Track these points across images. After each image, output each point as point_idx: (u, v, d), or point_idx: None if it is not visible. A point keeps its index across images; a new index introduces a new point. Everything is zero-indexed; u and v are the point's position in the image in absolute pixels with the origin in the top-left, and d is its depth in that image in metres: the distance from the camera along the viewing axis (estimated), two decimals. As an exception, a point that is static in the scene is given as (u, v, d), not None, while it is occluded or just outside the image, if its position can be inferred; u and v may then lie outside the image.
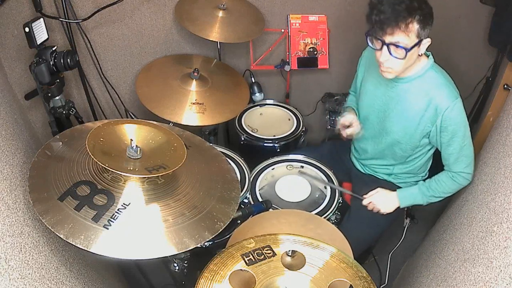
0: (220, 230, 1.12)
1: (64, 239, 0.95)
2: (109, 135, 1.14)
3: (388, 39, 1.33)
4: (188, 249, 1.03)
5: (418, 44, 1.35)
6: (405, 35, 1.31)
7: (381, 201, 1.65)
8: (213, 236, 1.09)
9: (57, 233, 0.96)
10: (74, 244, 0.95)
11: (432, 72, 1.48)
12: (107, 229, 1.00)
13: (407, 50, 1.32)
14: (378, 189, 1.67)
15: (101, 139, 1.11)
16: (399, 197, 1.65)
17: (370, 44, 1.41)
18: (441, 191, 1.59)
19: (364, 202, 1.67)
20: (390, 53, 1.35)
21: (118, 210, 1.04)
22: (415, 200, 1.65)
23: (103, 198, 1.05)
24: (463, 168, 1.53)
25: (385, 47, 1.35)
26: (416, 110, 1.50)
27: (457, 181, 1.55)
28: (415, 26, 1.30)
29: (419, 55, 1.41)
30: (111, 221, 1.01)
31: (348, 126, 1.70)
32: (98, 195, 1.06)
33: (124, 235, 1.01)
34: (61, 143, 1.22)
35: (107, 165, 1.02)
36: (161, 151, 1.17)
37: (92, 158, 1.03)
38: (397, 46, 1.33)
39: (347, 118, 1.71)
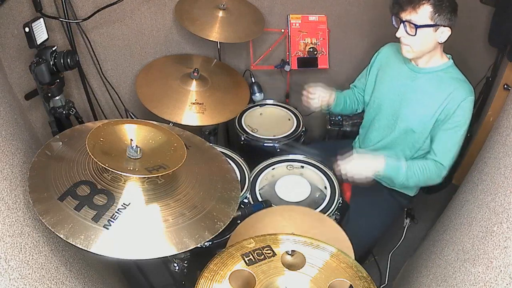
0: (220, 230, 1.12)
1: (64, 239, 0.95)
2: (109, 135, 1.14)
3: (403, 16, 1.48)
4: (188, 249, 1.03)
5: (432, 27, 1.45)
6: (417, 14, 1.44)
7: (358, 168, 1.59)
8: (213, 236, 1.09)
9: (57, 233, 0.95)
10: (74, 244, 0.95)
11: (453, 69, 1.59)
12: (107, 229, 1.00)
13: (417, 26, 1.44)
14: (355, 155, 1.63)
15: (101, 139, 1.11)
16: (386, 164, 1.58)
17: (394, 23, 1.54)
18: (421, 179, 1.59)
19: (336, 168, 1.61)
20: (405, 29, 1.49)
21: (118, 210, 1.04)
22: (396, 174, 1.60)
23: (103, 198, 1.05)
24: (446, 164, 1.59)
25: (402, 24, 1.49)
26: (435, 100, 1.55)
27: (437, 169, 1.58)
28: (427, 9, 1.43)
29: (439, 43, 1.50)
30: (111, 221, 1.01)
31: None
32: (98, 195, 1.06)
33: (124, 235, 1.01)
34: (61, 143, 1.22)
35: (107, 165, 1.02)
36: (161, 151, 1.17)
37: (92, 158, 1.03)
38: (410, 23, 1.46)
39: (316, 89, 1.83)
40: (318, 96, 1.83)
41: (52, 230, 0.96)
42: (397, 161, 1.62)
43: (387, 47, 1.81)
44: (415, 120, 1.62)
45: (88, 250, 0.95)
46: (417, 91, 1.61)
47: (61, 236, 0.95)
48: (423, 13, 1.44)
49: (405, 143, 1.70)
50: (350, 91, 1.98)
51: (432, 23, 1.45)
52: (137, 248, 1.00)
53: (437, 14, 1.43)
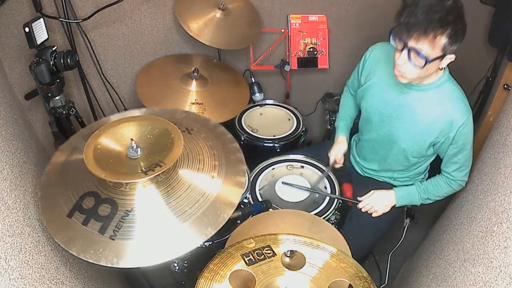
0: (224, 222, 1.07)
1: (77, 255, 0.96)
2: (107, 137, 1.12)
3: (411, 43, 1.26)
4: (193, 248, 1.02)
5: (440, 58, 1.28)
6: (430, 46, 1.24)
7: (377, 202, 1.66)
8: (218, 228, 1.05)
9: (69, 251, 0.96)
10: (85, 259, 0.95)
11: (449, 84, 1.44)
12: (113, 239, 0.99)
13: (427, 61, 1.26)
14: (372, 191, 1.68)
15: (99, 146, 1.09)
16: (396, 196, 1.66)
17: (392, 42, 1.34)
18: (436, 194, 1.62)
19: (360, 206, 1.68)
20: (409, 58, 1.28)
21: (122, 218, 1.02)
22: (411, 200, 1.66)
23: (107, 208, 1.04)
24: (462, 177, 1.56)
25: (405, 51, 1.28)
26: (428, 120, 1.46)
27: (453, 187, 1.58)
28: (442, 40, 1.23)
29: (439, 68, 1.36)
30: (116, 230, 1.00)
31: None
32: (102, 205, 1.04)
33: (131, 243, 0.99)
34: (63, 155, 1.21)
35: (104, 175, 1.00)
36: (159, 144, 1.13)
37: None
38: (418, 53, 1.26)
39: (336, 156, 1.78)
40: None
41: (65, 248, 0.97)
42: (409, 191, 1.65)
43: (376, 49, 1.63)
44: (407, 140, 1.54)
45: (98, 263, 0.95)
46: (407, 108, 1.49)
47: (74, 253, 0.96)
48: (437, 46, 1.24)
49: (398, 161, 1.65)
50: (351, 102, 1.86)
51: (442, 54, 1.26)
52: (146, 255, 0.99)
53: (449, 45, 1.24)
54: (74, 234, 0.99)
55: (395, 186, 1.75)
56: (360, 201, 1.69)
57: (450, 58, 1.31)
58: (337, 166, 1.82)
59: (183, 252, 1.01)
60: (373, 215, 1.67)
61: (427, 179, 1.67)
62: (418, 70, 1.30)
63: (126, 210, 1.04)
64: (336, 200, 1.68)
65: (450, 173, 1.56)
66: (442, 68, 1.37)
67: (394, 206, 1.68)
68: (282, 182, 1.77)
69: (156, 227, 1.04)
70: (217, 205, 1.10)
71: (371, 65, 1.63)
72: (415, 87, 1.46)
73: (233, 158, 1.25)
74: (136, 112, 1.36)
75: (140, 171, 1.05)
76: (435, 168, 1.67)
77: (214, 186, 1.16)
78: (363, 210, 1.68)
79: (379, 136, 1.64)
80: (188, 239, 1.03)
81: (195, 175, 1.16)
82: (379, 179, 1.80)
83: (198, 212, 1.07)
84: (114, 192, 1.07)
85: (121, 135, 1.15)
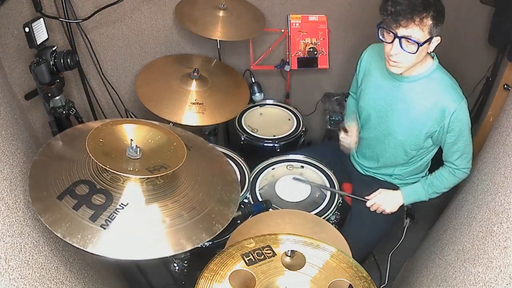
0: (218, 232, 1.11)
1: (61, 238, 0.95)
2: (109, 135, 1.14)
3: (401, 32, 1.31)
4: (184, 251, 1.03)
5: (429, 40, 1.34)
6: (419, 29, 1.30)
7: (385, 201, 1.66)
8: (211, 238, 1.09)
9: (54, 232, 0.95)
10: (70, 243, 0.95)
11: (439, 73, 1.48)
12: (104, 229, 0.99)
13: (419, 44, 1.31)
14: (380, 189, 1.68)
15: (101, 140, 1.11)
16: (403, 195, 1.67)
17: (380, 36, 1.39)
18: (442, 186, 1.62)
19: (368, 204, 1.67)
20: (402, 47, 1.33)
21: (116, 210, 1.04)
22: (419, 197, 1.66)
23: (101, 198, 1.05)
24: (465, 164, 1.57)
25: (396, 40, 1.33)
26: (421, 110, 1.49)
27: (458, 176, 1.59)
28: (428, 22, 1.29)
29: (427, 53, 1.41)
30: (109, 221, 1.01)
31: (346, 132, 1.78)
32: (97, 194, 1.05)
33: (121, 235, 1.01)
34: (61, 142, 1.22)
35: (108, 166, 1.02)
36: (161, 151, 1.17)
37: (92, 159, 1.03)
38: (409, 39, 1.31)
39: (349, 125, 1.77)
40: (353, 133, 1.77)
41: (50, 228, 0.96)
42: (415, 188, 1.66)
43: (369, 51, 1.70)
44: (403, 133, 1.56)
45: (84, 249, 0.95)
46: (401, 101, 1.53)
47: (58, 235, 0.95)
48: (425, 28, 1.30)
49: (397, 155, 1.66)
50: (354, 101, 1.88)
51: (429, 36, 1.32)
52: (134, 249, 1.00)
53: (434, 26, 1.31)
54: (62, 216, 0.99)
55: (396, 185, 1.75)
56: (368, 199, 1.68)
57: (437, 40, 1.37)
58: (344, 139, 1.80)
59: (175, 252, 1.02)
60: (384, 211, 1.67)
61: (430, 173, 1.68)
62: (412, 56, 1.35)
63: (122, 203, 1.05)
64: (336, 200, 1.68)
65: (453, 163, 1.57)
66: (430, 53, 1.41)
67: (402, 205, 1.68)
68: (293, 178, 1.78)
69: (150, 224, 1.06)
70: (212, 215, 1.15)
71: (366, 66, 1.69)
72: (407, 78, 1.50)
73: (229, 179, 1.33)
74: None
75: (145, 169, 1.07)
76: (436, 162, 1.68)
77: (211, 199, 1.21)
78: (371, 209, 1.67)
79: (377, 133, 1.67)
80: (181, 240, 1.05)
81: (191, 187, 1.20)
82: (379, 178, 1.80)
83: (194, 218, 1.11)
84: (110, 185, 1.08)
85: (123, 134, 1.16)
